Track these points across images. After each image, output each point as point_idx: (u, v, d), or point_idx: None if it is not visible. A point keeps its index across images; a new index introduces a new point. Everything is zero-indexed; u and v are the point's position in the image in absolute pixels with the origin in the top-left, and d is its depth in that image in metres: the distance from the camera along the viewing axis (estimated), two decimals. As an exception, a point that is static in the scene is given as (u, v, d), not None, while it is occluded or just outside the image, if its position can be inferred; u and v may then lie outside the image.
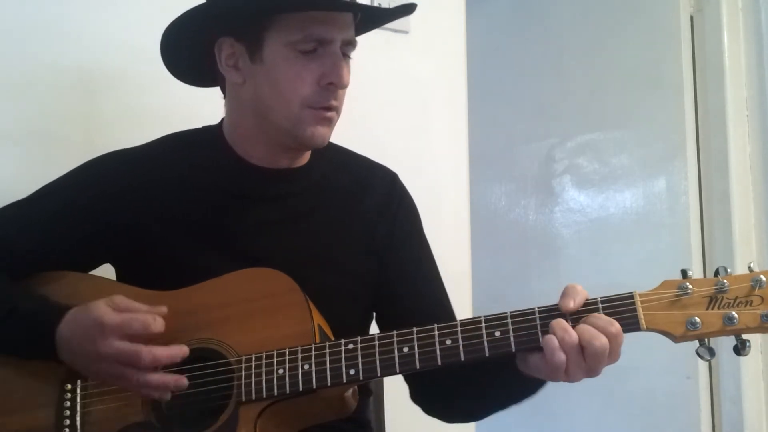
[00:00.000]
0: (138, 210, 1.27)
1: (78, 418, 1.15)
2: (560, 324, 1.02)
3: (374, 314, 1.41)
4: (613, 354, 1.02)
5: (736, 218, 2.53)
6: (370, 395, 1.46)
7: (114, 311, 1.09)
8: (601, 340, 1.00)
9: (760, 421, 2.48)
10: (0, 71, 1.58)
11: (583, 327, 1.01)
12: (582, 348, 1.00)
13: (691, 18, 2.69)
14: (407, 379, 1.33)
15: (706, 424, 2.51)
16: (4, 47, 1.58)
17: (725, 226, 2.54)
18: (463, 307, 2.12)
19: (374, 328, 1.38)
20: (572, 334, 1.00)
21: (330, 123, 1.25)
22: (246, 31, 1.22)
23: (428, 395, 1.33)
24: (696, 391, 2.51)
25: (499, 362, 1.09)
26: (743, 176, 2.56)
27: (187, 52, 1.32)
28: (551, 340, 1.01)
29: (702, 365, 2.50)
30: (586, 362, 1.01)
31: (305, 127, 1.22)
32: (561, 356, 1.00)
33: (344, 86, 1.22)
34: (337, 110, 1.25)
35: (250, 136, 1.30)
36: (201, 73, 1.34)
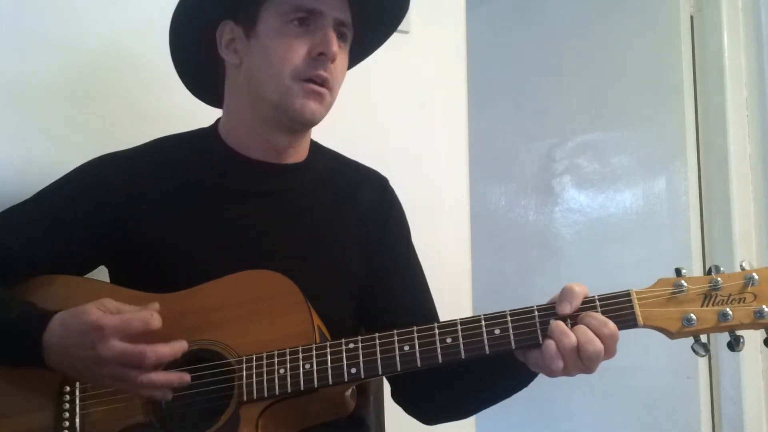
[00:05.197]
0: (132, 211, 1.28)
1: (77, 420, 1.14)
2: (559, 327, 1.04)
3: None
4: (608, 352, 1.03)
5: (736, 218, 2.53)
6: (369, 395, 1.47)
7: (108, 313, 1.08)
8: (596, 345, 1.02)
9: (760, 421, 2.48)
10: (0, 71, 1.58)
11: (579, 330, 1.03)
12: (578, 351, 1.02)
13: (691, 18, 2.69)
14: (389, 378, 1.33)
15: (706, 424, 2.51)
16: (4, 47, 1.58)
17: (725, 226, 2.54)
18: (463, 307, 2.12)
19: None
20: (571, 338, 1.02)
21: (321, 99, 1.24)
22: (243, 11, 1.27)
23: (412, 392, 1.33)
24: (696, 391, 2.51)
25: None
26: (743, 176, 2.56)
27: (192, 47, 1.35)
28: (550, 346, 1.03)
29: (702, 365, 2.50)
30: (583, 363, 1.03)
31: (294, 99, 1.23)
32: (559, 364, 1.03)
33: (333, 57, 1.23)
34: (328, 87, 1.25)
35: (245, 122, 1.31)
36: (206, 78, 1.38)
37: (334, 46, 1.23)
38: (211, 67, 1.35)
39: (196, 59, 1.37)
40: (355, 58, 1.40)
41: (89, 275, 1.32)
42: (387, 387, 1.58)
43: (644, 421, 2.64)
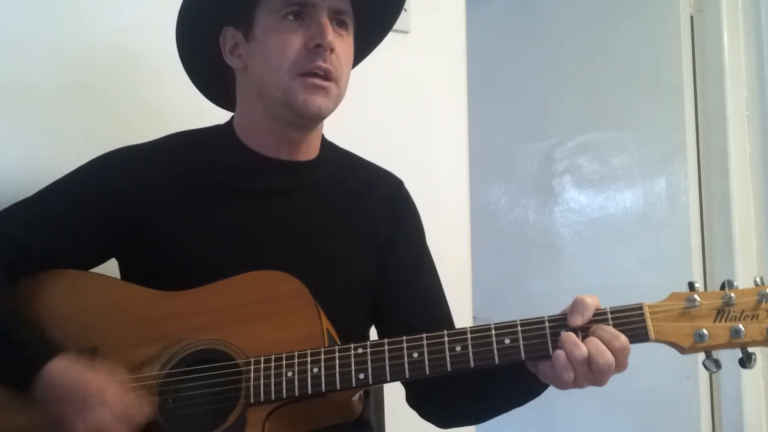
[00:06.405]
0: (146, 206, 1.27)
1: None
2: (570, 338, 1.03)
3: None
4: (619, 365, 1.03)
5: (736, 218, 2.54)
6: (369, 395, 1.46)
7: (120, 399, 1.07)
8: (607, 357, 1.02)
9: (760, 421, 2.49)
10: (0, 71, 1.57)
11: (591, 342, 1.03)
12: (589, 363, 1.02)
13: (691, 18, 2.70)
14: (404, 382, 1.32)
15: (706, 424, 2.52)
16: (5, 47, 1.57)
17: (725, 226, 2.55)
18: (463, 307, 2.12)
19: (373, 332, 1.39)
20: (582, 349, 1.02)
21: (325, 92, 1.23)
22: (239, 15, 1.27)
23: (426, 398, 1.33)
24: (696, 391, 2.52)
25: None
26: (743, 176, 2.57)
27: (200, 56, 1.35)
28: (561, 356, 1.03)
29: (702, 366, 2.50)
30: (594, 375, 1.03)
31: (297, 95, 1.22)
32: (570, 375, 1.02)
33: (330, 46, 1.21)
34: (333, 79, 1.24)
35: (258, 122, 1.31)
36: (219, 84, 1.38)
37: (330, 36, 1.21)
38: (222, 73, 1.35)
39: (206, 67, 1.36)
40: (356, 57, 1.38)
41: (98, 269, 1.32)
42: (387, 388, 1.58)
43: (644, 421, 2.65)
